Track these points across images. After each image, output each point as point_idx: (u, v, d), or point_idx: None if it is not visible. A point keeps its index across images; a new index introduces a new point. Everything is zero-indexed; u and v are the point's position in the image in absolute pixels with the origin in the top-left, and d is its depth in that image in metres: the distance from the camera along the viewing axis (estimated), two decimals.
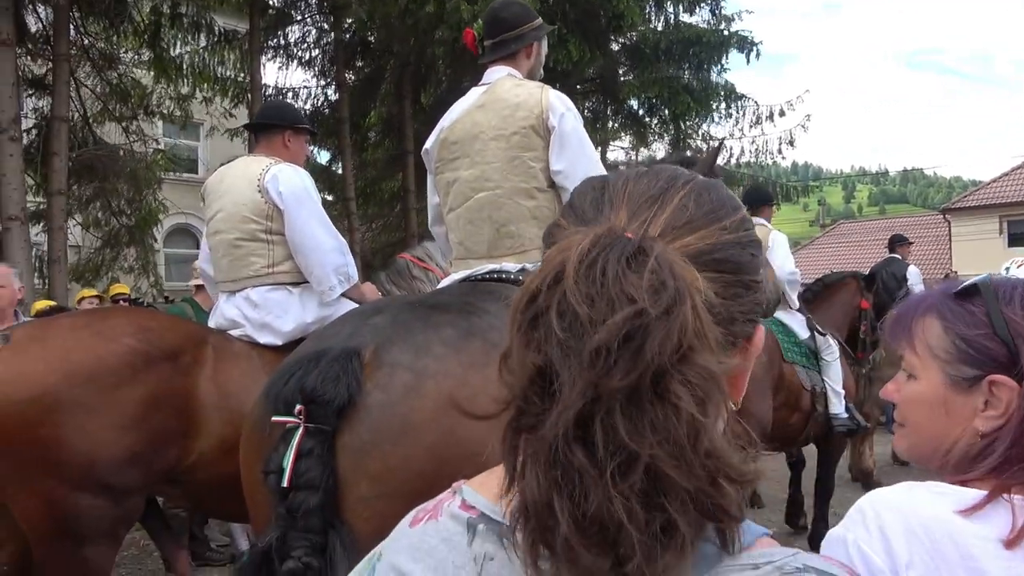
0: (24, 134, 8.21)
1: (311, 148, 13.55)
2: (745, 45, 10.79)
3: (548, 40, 2.70)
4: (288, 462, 1.37)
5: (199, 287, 4.98)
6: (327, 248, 2.86)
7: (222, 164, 3.16)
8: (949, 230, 26.38)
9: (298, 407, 1.42)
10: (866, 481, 6.20)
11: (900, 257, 7.98)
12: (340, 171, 11.17)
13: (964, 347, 0.92)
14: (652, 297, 0.51)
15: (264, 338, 2.83)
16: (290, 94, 11.84)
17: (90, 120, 10.21)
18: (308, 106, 11.92)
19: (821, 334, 4.69)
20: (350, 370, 1.46)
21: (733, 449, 0.52)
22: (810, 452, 5.28)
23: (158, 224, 11.53)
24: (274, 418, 1.44)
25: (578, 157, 2.26)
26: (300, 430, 1.40)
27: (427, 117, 11.81)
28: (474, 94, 2.43)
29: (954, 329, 0.94)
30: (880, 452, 6.78)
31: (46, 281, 8.08)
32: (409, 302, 1.93)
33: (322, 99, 11.92)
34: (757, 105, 11.45)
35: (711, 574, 0.53)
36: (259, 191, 2.87)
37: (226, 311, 2.93)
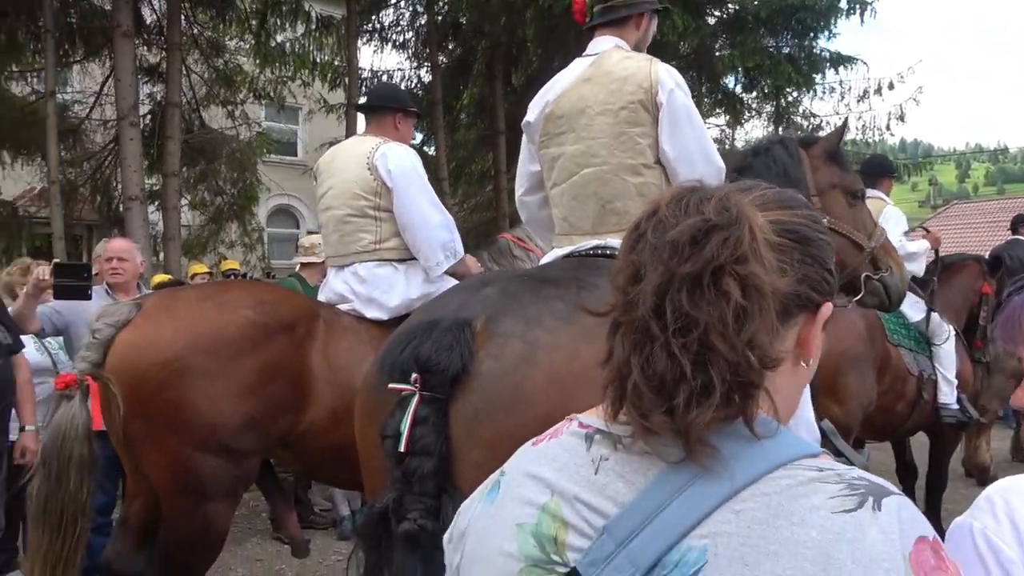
0: (140, 119, 8.71)
1: None
2: (857, 5, 10.15)
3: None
4: (405, 428, 1.42)
5: (304, 264, 5.17)
6: (434, 224, 2.95)
7: (330, 144, 3.28)
8: None
9: (414, 375, 1.46)
10: (982, 478, 5.84)
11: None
12: (432, 152, 11.33)
13: None
14: (717, 214, 0.69)
15: (371, 312, 2.92)
16: (384, 77, 12.06)
17: (198, 105, 10.76)
18: (402, 88, 12.11)
19: (933, 310, 4.40)
20: (462, 340, 1.49)
21: (773, 353, 0.67)
22: (919, 445, 5.01)
23: (258, 203, 12.05)
24: (391, 385, 1.49)
25: (687, 134, 2.21)
26: (416, 398, 1.44)
27: (518, 97, 11.82)
28: (579, 65, 2.37)
29: None
30: (998, 447, 6.39)
31: (161, 257, 8.58)
32: (517, 275, 1.94)
33: (415, 81, 12.09)
34: (868, 72, 10.80)
35: (782, 467, 0.66)
36: (368, 169, 2.95)
37: (335, 285, 3.03)
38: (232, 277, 6.13)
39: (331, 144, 12.27)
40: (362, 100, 3.54)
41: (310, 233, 6.10)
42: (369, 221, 2.98)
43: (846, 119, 3.37)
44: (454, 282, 2.94)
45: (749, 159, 2.88)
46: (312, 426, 2.64)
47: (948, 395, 4.38)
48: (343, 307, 2.96)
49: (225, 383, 2.45)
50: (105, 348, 2.48)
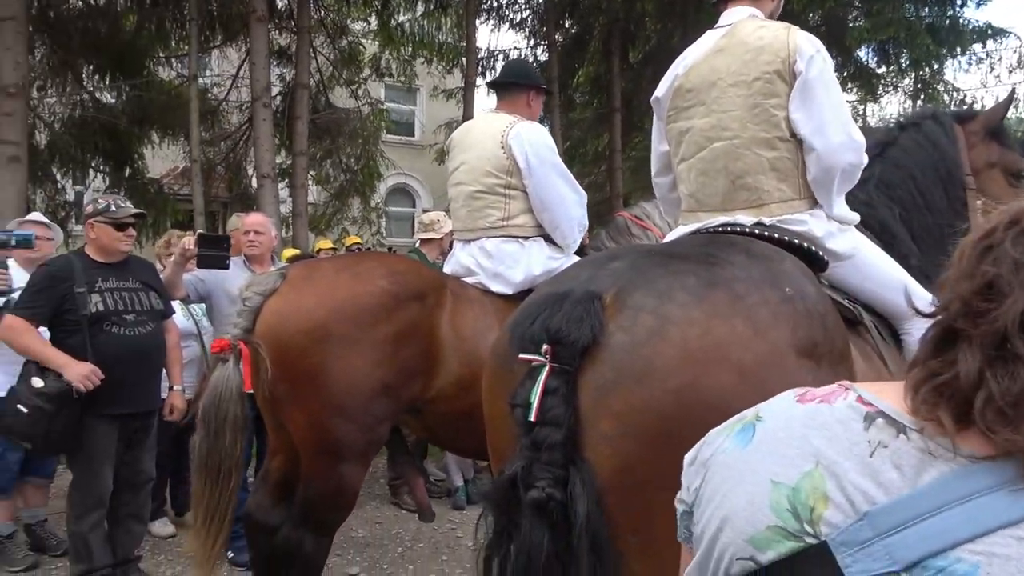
0: (272, 100, 9.17)
1: None
2: None
3: None
4: (535, 398, 1.43)
5: (424, 240, 5.32)
6: (571, 203, 3.04)
7: (447, 125, 3.35)
8: None
9: (544, 347, 1.47)
10: None
11: None
12: (548, 131, 11.34)
13: None
14: None
15: (496, 286, 3.00)
16: (501, 56, 12.12)
17: (324, 86, 11.22)
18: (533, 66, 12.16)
19: None
20: (593, 312, 1.48)
21: None
22: None
23: (380, 179, 12.48)
24: (521, 355, 1.50)
25: (821, 103, 2.07)
26: (546, 368, 1.45)
27: (634, 74, 11.60)
28: (711, 37, 2.28)
29: None
30: None
31: (289, 233, 9.05)
32: (646, 249, 1.91)
33: (532, 59, 12.08)
34: (1019, 44, 9.88)
35: None
36: (502, 147, 3.00)
37: (461, 258, 3.13)
38: (356, 251, 6.39)
39: (448, 125, 12.54)
40: (495, 78, 3.56)
41: (425, 212, 6.25)
42: (498, 199, 3.05)
43: (1013, 90, 3.04)
44: (576, 259, 2.98)
45: (895, 133, 2.72)
46: (440, 393, 2.73)
47: None
48: (469, 280, 3.05)
49: (362, 350, 2.57)
50: (255, 315, 2.64)
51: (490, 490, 1.51)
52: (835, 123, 2.08)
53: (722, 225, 2.14)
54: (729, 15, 2.31)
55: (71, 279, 3.44)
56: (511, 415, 1.49)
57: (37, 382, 3.32)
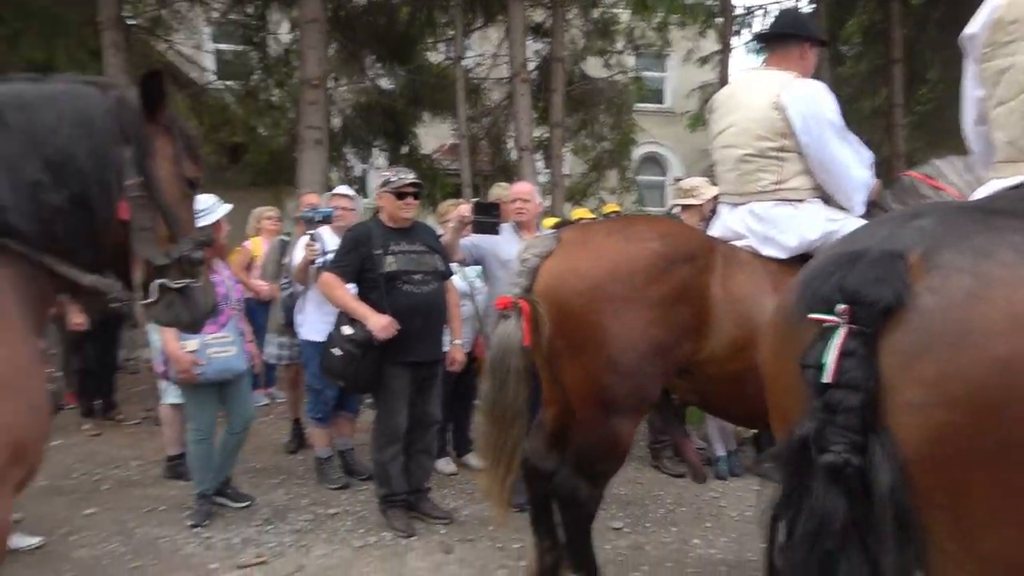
0: (529, 75, 9.53)
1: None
2: None
3: None
4: (829, 359, 1.36)
5: (684, 207, 5.21)
6: (853, 165, 2.88)
7: (700, 90, 3.19)
8: None
9: (841, 307, 1.38)
10: None
11: None
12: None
13: None
14: None
15: (767, 250, 2.90)
16: (761, 13, 11.41)
17: (576, 59, 11.41)
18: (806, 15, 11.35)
19: None
20: (896, 272, 1.36)
21: None
22: None
23: (635, 146, 12.49)
24: (812, 315, 1.42)
25: None
26: (843, 329, 1.37)
27: (917, 20, 10.29)
28: None
29: None
30: None
31: (548, 202, 9.40)
32: (959, 206, 1.71)
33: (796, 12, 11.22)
34: None
35: None
36: (775, 108, 2.85)
37: (729, 222, 3.04)
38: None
39: (702, 89, 12.08)
40: (764, 30, 3.35)
41: (677, 180, 6.10)
42: (772, 162, 2.92)
43: None
44: (859, 222, 2.71)
45: None
46: (712, 354, 2.70)
47: None
48: (738, 243, 2.96)
49: (637, 309, 2.61)
50: (533, 275, 2.79)
51: (780, 450, 1.46)
52: None
53: None
54: None
55: (370, 242, 3.91)
56: (801, 376, 1.42)
57: (347, 330, 3.83)
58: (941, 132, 9.07)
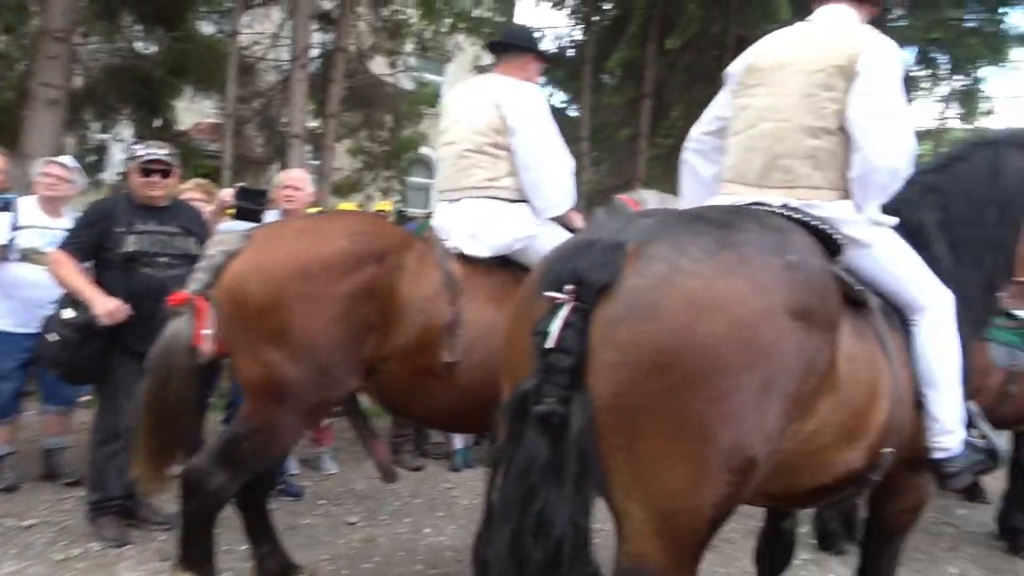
0: (310, 62, 9.24)
1: (550, 93, 13.49)
2: None
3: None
4: (555, 328, 1.67)
5: None
6: (555, 164, 3.00)
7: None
8: None
9: (568, 287, 1.70)
10: None
11: None
12: (576, 114, 11.32)
13: None
14: None
15: (471, 248, 2.95)
16: (537, 35, 12.07)
17: (361, 54, 11.25)
18: (554, 46, 12.09)
19: None
20: (615, 258, 1.70)
21: None
22: None
23: (415, 151, 12.57)
24: (547, 292, 1.73)
25: (880, 108, 2.17)
26: (568, 306, 1.69)
27: (669, 62, 11.52)
28: (798, 26, 2.44)
29: None
30: None
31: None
32: (676, 212, 2.06)
33: (568, 40, 12.05)
34: None
35: None
36: (494, 106, 2.99)
37: (443, 217, 3.10)
38: None
39: None
40: (494, 39, 3.53)
41: None
42: (486, 158, 3.01)
43: None
44: (558, 228, 3.00)
45: (971, 150, 2.76)
46: (394, 351, 2.76)
47: None
48: (446, 241, 3.01)
49: (321, 307, 2.62)
50: (216, 272, 2.75)
51: (506, 402, 1.75)
52: (888, 127, 2.17)
53: (753, 203, 2.27)
54: (820, 11, 2.43)
55: (112, 219, 3.60)
56: (531, 341, 1.72)
57: (67, 313, 3.48)
58: (676, 164, 10.27)
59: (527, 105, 2.99)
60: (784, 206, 2.21)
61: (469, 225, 2.99)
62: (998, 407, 4.30)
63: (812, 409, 1.87)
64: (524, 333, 1.78)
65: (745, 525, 3.81)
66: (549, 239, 2.85)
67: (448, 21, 11.44)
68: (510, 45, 3.26)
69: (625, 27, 11.47)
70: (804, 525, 4.34)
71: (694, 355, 1.62)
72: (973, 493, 5.71)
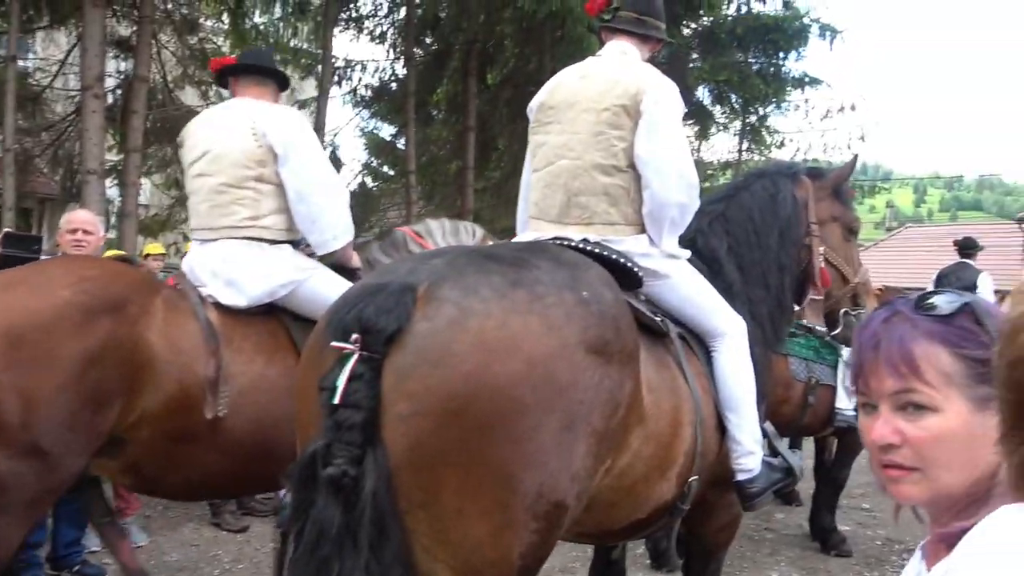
0: (108, 93, 8.52)
1: (375, 122, 13.36)
2: (828, 32, 10.43)
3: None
4: (341, 382, 1.53)
5: None
6: (333, 196, 2.76)
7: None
8: None
9: (354, 336, 1.56)
10: None
11: (972, 263, 7.65)
12: (403, 146, 11.32)
13: (980, 368, 0.88)
14: None
15: (228, 297, 2.63)
16: (358, 67, 11.99)
17: (169, 83, 10.56)
18: (375, 80, 12.06)
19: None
20: (403, 303, 1.60)
21: None
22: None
23: None
24: (333, 343, 1.60)
25: (663, 143, 2.28)
26: (355, 356, 1.55)
27: (491, 96, 11.84)
28: (586, 62, 2.51)
29: (965, 352, 0.90)
30: None
31: (116, 233, 8.41)
32: (468, 250, 2.02)
33: (389, 73, 12.06)
34: (832, 93, 11.12)
35: None
36: (254, 133, 2.68)
37: (194, 262, 2.75)
38: (153, 263, 5.96)
39: None
40: (243, 60, 3.13)
41: None
42: (247, 193, 2.70)
43: (855, 156, 3.59)
44: (326, 269, 2.79)
45: (751, 181, 2.98)
46: (144, 415, 2.37)
47: (844, 401, 4.66)
48: (201, 289, 2.66)
49: (35, 378, 2.17)
50: None
51: (292, 467, 1.59)
52: (672, 165, 2.29)
53: (554, 238, 2.30)
54: (607, 47, 2.52)
55: None
56: (319, 398, 1.58)
57: None
58: (503, 196, 10.60)
59: (293, 131, 2.72)
60: (584, 241, 2.26)
61: (224, 271, 2.65)
62: (801, 417, 4.73)
63: (623, 444, 1.87)
64: (312, 389, 1.64)
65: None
66: (319, 282, 2.69)
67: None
68: (258, 68, 2.97)
69: (447, 62, 11.69)
70: (640, 547, 4.49)
71: (489, 399, 1.55)
72: (789, 497, 6.20)
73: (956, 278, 7.16)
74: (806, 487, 5.67)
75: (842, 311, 3.09)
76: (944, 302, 0.95)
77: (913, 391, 0.91)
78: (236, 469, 2.54)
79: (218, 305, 2.62)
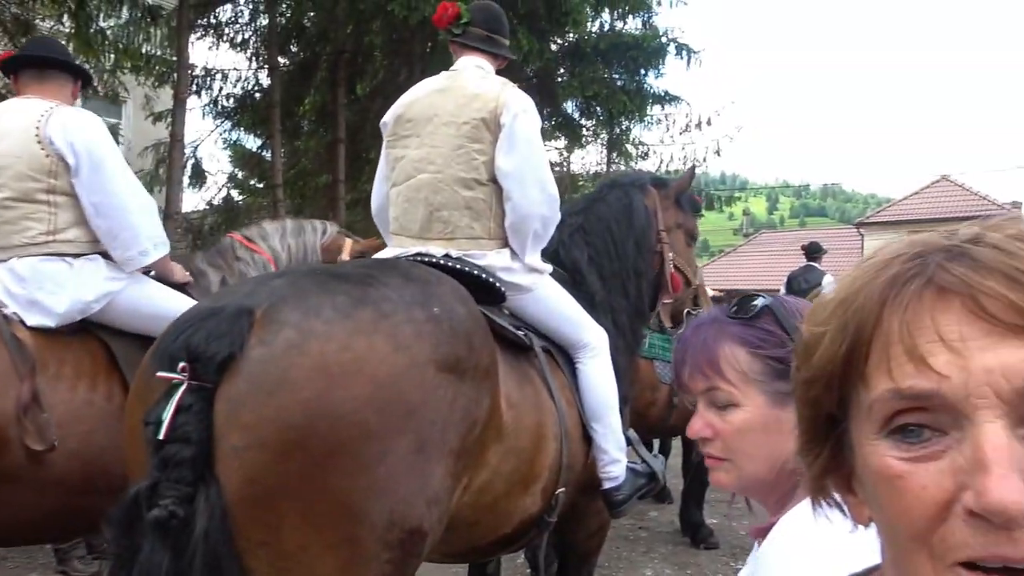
0: None
1: (240, 134, 12.81)
2: (685, 51, 11.03)
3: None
4: (167, 416, 1.42)
5: None
6: (136, 208, 2.50)
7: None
8: (862, 244, 27.67)
9: (182, 364, 1.45)
10: None
11: (818, 266, 8.28)
12: (269, 156, 10.91)
13: (778, 365, 0.98)
14: None
15: (33, 318, 2.37)
16: (219, 76, 11.45)
17: (2, 90, 9.67)
18: (238, 89, 11.56)
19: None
20: (237, 327, 1.49)
21: None
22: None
23: None
24: (159, 374, 1.48)
25: (523, 157, 2.30)
26: (183, 386, 1.44)
27: (361, 107, 11.64)
28: (441, 76, 2.49)
29: (763, 351, 1.00)
30: None
31: None
32: (312, 269, 1.96)
33: (253, 83, 11.59)
34: (689, 110, 11.75)
35: None
36: (38, 142, 2.40)
37: None
38: None
39: (156, 147, 11.43)
40: (25, 51, 2.79)
41: None
42: (40, 207, 2.44)
43: (692, 166, 3.86)
44: (145, 280, 2.56)
45: (604, 192, 3.09)
46: None
47: None
48: (4, 309, 2.41)
49: None
50: None
51: (112, 512, 1.45)
52: (532, 175, 2.31)
53: (416, 254, 2.26)
54: (462, 61, 2.53)
55: None
56: (144, 433, 1.46)
57: None
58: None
59: (87, 137, 2.43)
60: (446, 256, 2.24)
61: (24, 291, 2.40)
62: (668, 418, 4.92)
63: (481, 461, 1.85)
64: (139, 425, 1.51)
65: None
66: (138, 293, 2.49)
67: (112, 57, 10.31)
68: (47, 61, 2.63)
69: (314, 72, 11.38)
70: (519, 556, 4.49)
71: (331, 427, 1.46)
72: (661, 496, 6.43)
73: (804, 280, 7.73)
74: (678, 484, 5.90)
75: (685, 311, 3.30)
76: (749, 306, 1.04)
77: (717, 389, 1.01)
78: (57, 510, 2.28)
79: (27, 326, 2.34)
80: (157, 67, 10.88)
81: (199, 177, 11.78)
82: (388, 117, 2.52)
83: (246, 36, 11.38)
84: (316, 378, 1.48)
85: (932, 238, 0.55)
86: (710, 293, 5.72)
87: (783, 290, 7.97)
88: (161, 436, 1.40)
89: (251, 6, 11.18)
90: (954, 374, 0.47)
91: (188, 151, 11.10)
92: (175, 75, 10.13)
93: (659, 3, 11.26)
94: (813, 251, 8.39)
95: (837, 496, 0.60)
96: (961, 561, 0.46)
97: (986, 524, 0.45)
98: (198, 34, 11.05)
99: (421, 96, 2.43)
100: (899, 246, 0.55)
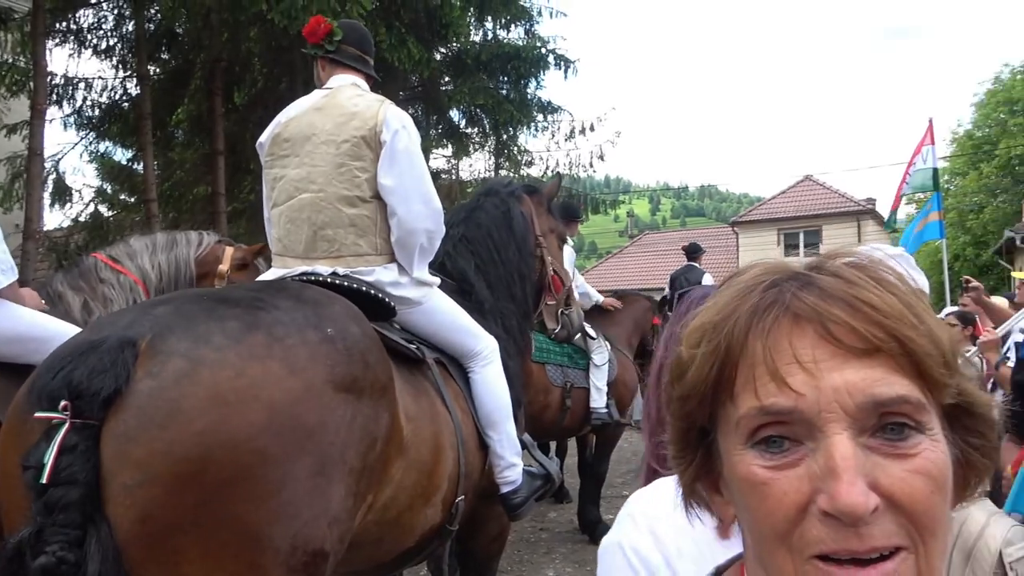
0: None
1: (108, 145, 12.13)
2: (563, 62, 11.33)
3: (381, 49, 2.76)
4: (49, 458, 1.34)
5: None
6: None
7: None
8: (737, 241, 29.31)
9: (63, 402, 1.38)
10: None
11: (698, 265, 8.73)
12: (141, 168, 10.33)
13: None
14: None
15: None
16: (82, 84, 10.75)
17: None
18: (104, 98, 10.89)
19: (592, 338, 5.19)
20: (121, 360, 1.43)
21: None
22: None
23: None
24: (37, 414, 1.40)
25: (404, 172, 2.32)
26: (65, 426, 1.37)
27: (240, 117, 11.24)
28: (316, 95, 2.47)
29: None
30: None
31: None
32: (197, 294, 1.88)
33: (120, 92, 10.94)
34: (572, 118, 12.07)
35: None
36: None
37: None
38: None
39: (10, 160, 10.60)
40: None
41: None
42: None
43: (559, 174, 4.05)
44: (7, 303, 2.30)
45: (481, 200, 3.17)
46: None
47: (598, 401, 5.17)
48: None
49: None
50: None
51: None
52: (415, 190, 2.34)
53: (302, 274, 2.24)
54: (336, 79, 2.52)
55: None
56: (23, 478, 1.37)
57: None
58: (260, 220, 10.02)
59: None
60: (333, 274, 2.24)
61: None
62: (561, 420, 5.08)
63: (385, 477, 1.86)
64: (14, 470, 1.42)
65: None
66: None
67: None
68: None
69: (187, 80, 10.90)
70: (422, 567, 4.48)
71: (228, 456, 1.43)
72: (559, 496, 6.58)
73: (685, 279, 8.12)
74: (575, 484, 6.07)
75: (560, 311, 3.45)
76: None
77: None
78: None
79: None
80: (10, 75, 10.10)
81: (62, 193, 11.01)
82: (264, 137, 2.49)
83: (111, 43, 10.72)
84: (210, 407, 1.44)
85: (782, 265, 0.64)
86: (600, 297, 6.02)
87: (667, 289, 8.35)
88: (44, 480, 1.33)
89: (115, 11, 10.56)
90: (808, 392, 0.56)
91: (49, 165, 10.36)
92: (31, 84, 9.44)
93: (540, 13, 11.55)
94: (693, 251, 8.85)
95: (706, 496, 0.68)
96: (817, 555, 0.55)
97: (837, 523, 0.54)
98: (56, 40, 10.33)
99: (297, 115, 2.41)
100: (757, 271, 0.64)
